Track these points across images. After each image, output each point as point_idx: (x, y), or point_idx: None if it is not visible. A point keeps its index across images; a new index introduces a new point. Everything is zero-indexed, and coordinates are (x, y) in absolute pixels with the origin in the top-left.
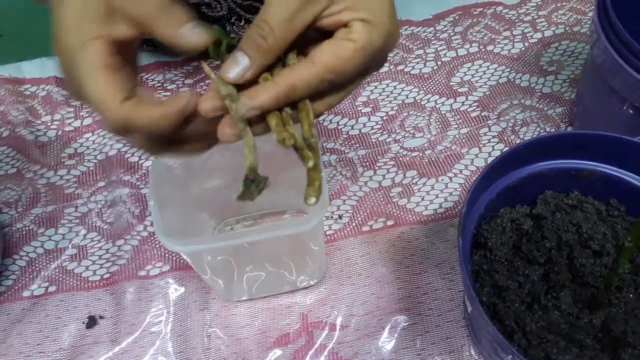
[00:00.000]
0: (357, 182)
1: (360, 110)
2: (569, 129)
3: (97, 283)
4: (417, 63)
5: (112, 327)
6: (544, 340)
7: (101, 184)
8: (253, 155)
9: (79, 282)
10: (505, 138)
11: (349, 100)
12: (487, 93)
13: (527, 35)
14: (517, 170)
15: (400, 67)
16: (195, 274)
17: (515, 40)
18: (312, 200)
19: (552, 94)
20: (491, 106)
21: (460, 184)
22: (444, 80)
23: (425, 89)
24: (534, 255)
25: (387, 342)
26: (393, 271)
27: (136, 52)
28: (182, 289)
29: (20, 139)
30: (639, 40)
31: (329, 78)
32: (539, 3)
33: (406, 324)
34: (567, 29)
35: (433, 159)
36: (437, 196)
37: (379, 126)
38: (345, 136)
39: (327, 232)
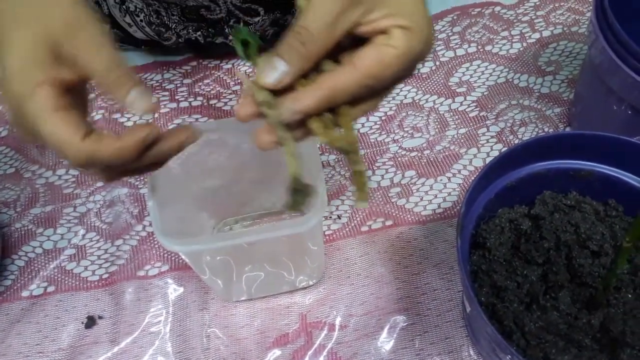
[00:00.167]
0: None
1: None
2: (568, 129)
3: (96, 283)
4: None
5: (111, 327)
6: (542, 341)
7: (100, 184)
8: (296, 163)
9: (78, 282)
10: (504, 138)
11: None
12: (485, 93)
13: (526, 35)
14: (516, 171)
15: None
16: (194, 274)
17: (513, 40)
18: (364, 204)
19: (550, 94)
20: (489, 106)
21: (459, 184)
22: (442, 81)
23: (423, 89)
24: (532, 256)
25: (386, 342)
26: (392, 271)
27: (86, 88)
28: (181, 289)
29: (19, 138)
30: (637, 41)
31: (370, 83)
32: (537, 3)
33: (405, 324)
34: (565, 29)
35: (432, 159)
36: (435, 196)
37: (377, 126)
38: None
39: (326, 232)
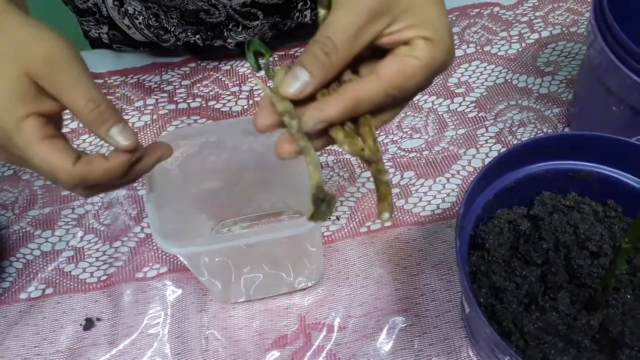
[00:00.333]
0: (354, 183)
1: None
2: (566, 129)
3: (94, 285)
4: None
5: (109, 329)
6: (541, 342)
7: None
8: (319, 173)
9: (76, 284)
10: (503, 139)
11: None
12: (484, 94)
13: (524, 35)
14: (514, 172)
15: None
16: (192, 276)
17: (512, 41)
18: (387, 215)
19: (549, 95)
20: (488, 107)
21: (458, 184)
22: (441, 81)
23: None
24: (531, 256)
25: (385, 343)
26: (391, 272)
27: (61, 117)
28: (180, 291)
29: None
30: (636, 41)
31: (393, 93)
32: (536, 4)
33: (404, 325)
34: (564, 29)
35: (430, 159)
36: (434, 197)
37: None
38: None
39: (325, 234)
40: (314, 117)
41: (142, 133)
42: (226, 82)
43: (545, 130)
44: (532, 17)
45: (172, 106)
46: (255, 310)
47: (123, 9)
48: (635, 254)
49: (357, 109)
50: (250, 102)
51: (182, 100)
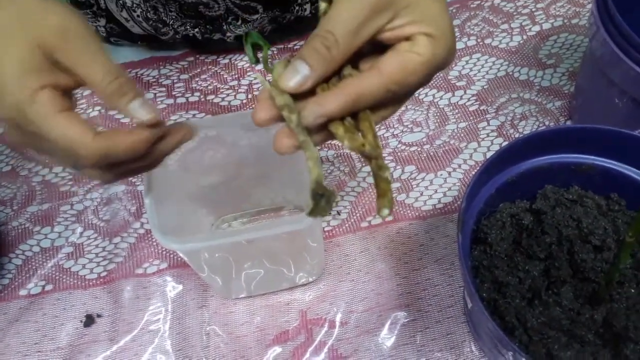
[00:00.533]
0: (355, 177)
1: None
2: (569, 122)
3: (94, 281)
4: None
5: (110, 326)
6: (545, 336)
7: (97, 181)
8: (319, 168)
9: (76, 281)
10: (504, 132)
11: None
12: (485, 87)
13: (526, 28)
14: (516, 165)
15: None
16: (193, 272)
17: (513, 33)
18: (386, 212)
19: (551, 87)
20: (490, 100)
21: (459, 178)
22: (442, 74)
23: None
24: (534, 251)
25: (387, 338)
26: (392, 267)
27: (73, 93)
28: (180, 287)
29: (15, 147)
30: (639, 33)
31: (393, 89)
32: None
33: (406, 320)
34: (565, 21)
35: (431, 153)
36: (435, 191)
37: None
38: None
39: (326, 229)
40: (314, 112)
41: None
42: (225, 76)
43: (547, 123)
44: (533, 9)
45: (171, 100)
46: (256, 306)
47: (121, 2)
48: (639, 247)
49: (357, 104)
50: (249, 96)
51: (180, 94)
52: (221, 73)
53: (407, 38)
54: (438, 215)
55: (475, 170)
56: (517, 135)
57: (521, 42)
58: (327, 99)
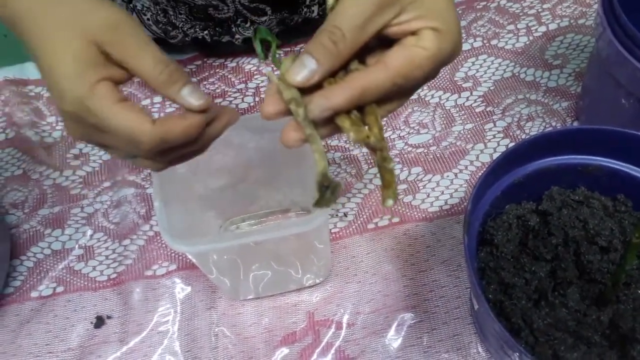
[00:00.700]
0: (362, 179)
1: None
2: (575, 123)
3: (104, 283)
4: None
5: (120, 327)
6: (551, 338)
7: (106, 184)
8: (324, 161)
9: (86, 283)
10: (511, 133)
11: None
12: (491, 88)
13: (532, 28)
14: (523, 167)
15: None
16: (201, 273)
17: (519, 34)
18: (391, 202)
19: (557, 88)
20: (496, 101)
21: (466, 180)
22: (448, 76)
23: (429, 84)
24: (540, 252)
25: (394, 339)
26: (399, 269)
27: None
28: (189, 288)
29: (26, 140)
30: None
31: (399, 83)
32: None
33: (413, 321)
34: (572, 21)
35: (438, 155)
36: (442, 193)
37: (383, 123)
38: None
39: (333, 230)
40: (321, 105)
41: None
42: (232, 80)
43: (553, 124)
44: (539, 10)
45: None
46: (264, 307)
47: (131, 5)
48: None
49: (363, 98)
50: (257, 99)
51: None
52: (229, 76)
53: (414, 33)
54: (445, 217)
55: (482, 172)
56: (523, 137)
57: (527, 42)
58: (333, 93)
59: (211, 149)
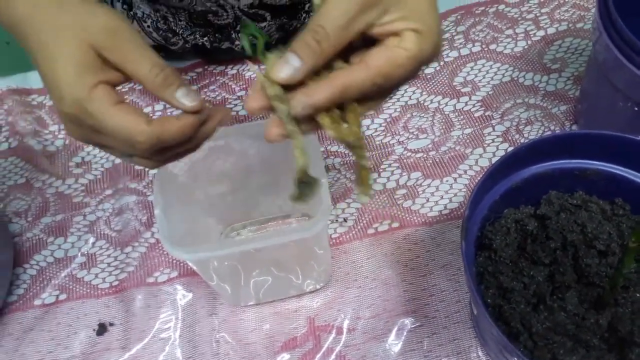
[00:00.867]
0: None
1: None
2: (574, 127)
3: (106, 290)
4: None
5: (122, 334)
6: (550, 342)
7: (108, 192)
8: (304, 157)
9: (88, 290)
10: (510, 137)
11: None
12: (490, 92)
13: (530, 33)
14: (521, 171)
15: None
16: (202, 280)
17: (518, 38)
18: (366, 199)
19: (556, 92)
20: (495, 106)
21: (465, 184)
22: (446, 81)
23: (428, 89)
24: (538, 256)
25: (394, 344)
26: (399, 273)
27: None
28: (190, 295)
29: (29, 149)
30: None
31: (380, 82)
32: (542, 0)
33: (413, 326)
34: (570, 25)
35: (437, 160)
36: (442, 197)
37: (382, 128)
38: None
39: (333, 236)
40: (302, 102)
41: None
42: (233, 87)
43: (552, 128)
44: (537, 14)
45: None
46: (265, 313)
47: (132, 13)
48: None
49: (344, 96)
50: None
51: None
52: (229, 84)
53: (396, 34)
54: (444, 221)
55: (480, 177)
56: (522, 141)
57: (526, 47)
58: (315, 90)
59: (212, 155)
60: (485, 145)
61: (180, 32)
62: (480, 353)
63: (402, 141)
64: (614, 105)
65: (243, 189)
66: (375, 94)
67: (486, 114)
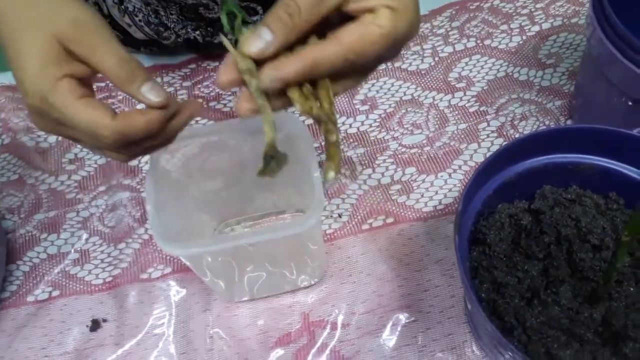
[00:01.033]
0: (356, 180)
1: (358, 108)
2: (569, 122)
3: (99, 287)
4: (414, 59)
5: (115, 330)
6: (544, 336)
7: (102, 188)
8: (272, 131)
9: (82, 286)
10: (505, 133)
11: (347, 99)
12: (485, 88)
13: (525, 28)
14: (514, 166)
15: (397, 64)
16: (196, 276)
17: (512, 33)
18: (332, 174)
19: (551, 87)
20: (489, 101)
21: (460, 179)
22: (441, 76)
23: (422, 85)
24: (533, 251)
25: (388, 339)
26: (393, 269)
27: (91, 86)
28: (184, 291)
29: (21, 145)
30: (635, 32)
31: (352, 59)
32: None
33: (407, 321)
34: (565, 20)
35: (432, 155)
36: (436, 192)
37: (377, 124)
38: (343, 135)
39: (327, 231)
40: (270, 75)
41: None
42: None
43: (547, 123)
44: (532, 9)
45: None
46: (259, 309)
47: (123, 7)
48: (638, 246)
49: (314, 71)
50: None
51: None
52: None
53: (371, 10)
54: (439, 217)
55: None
56: (517, 136)
57: (521, 42)
58: (284, 64)
59: (205, 151)
60: (480, 141)
61: (171, 26)
62: (474, 348)
63: (397, 137)
64: (608, 100)
65: (237, 184)
66: (349, 72)
67: (481, 109)
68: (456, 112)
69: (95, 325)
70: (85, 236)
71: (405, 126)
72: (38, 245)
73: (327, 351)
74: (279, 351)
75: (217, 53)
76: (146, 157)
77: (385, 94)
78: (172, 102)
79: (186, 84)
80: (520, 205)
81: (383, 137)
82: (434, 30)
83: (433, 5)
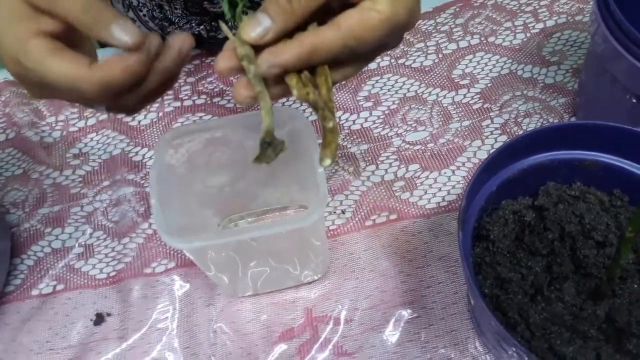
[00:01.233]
0: (359, 176)
1: (362, 105)
2: (573, 119)
3: (103, 281)
4: (418, 56)
5: (119, 324)
6: (547, 332)
7: (106, 183)
8: (270, 118)
9: (86, 280)
10: (508, 130)
11: (350, 95)
12: (489, 85)
13: (529, 25)
14: (518, 162)
15: (401, 61)
16: (200, 271)
17: (516, 31)
18: (327, 161)
19: (554, 85)
20: (493, 98)
21: (463, 176)
22: (445, 73)
23: (426, 82)
24: (536, 247)
25: (391, 335)
26: (396, 265)
27: (75, 39)
28: (188, 286)
29: (26, 140)
30: None
31: (351, 45)
32: None
33: (410, 317)
34: (569, 18)
35: (435, 152)
36: (439, 189)
37: (380, 120)
38: (347, 131)
39: (331, 227)
40: (268, 61)
41: (148, 130)
42: (230, 78)
43: (551, 120)
44: (536, 7)
45: (178, 103)
46: (262, 304)
47: (127, 2)
48: None
49: (312, 57)
50: None
51: (187, 97)
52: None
53: None
54: (442, 213)
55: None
56: (520, 133)
57: (525, 39)
58: (282, 50)
59: (209, 146)
60: (483, 138)
61: (176, 20)
62: (477, 344)
63: (401, 133)
64: (612, 97)
65: (241, 180)
66: (349, 59)
67: (484, 106)
68: (460, 109)
69: (99, 319)
70: (89, 231)
71: (408, 123)
72: (42, 239)
73: (330, 346)
74: (282, 346)
75: (221, 49)
76: (150, 153)
77: (389, 90)
78: (152, 41)
79: (190, 79)
80: (523, 201)
81: (386, 134)
82: (437, 27)
83: (437, 2)
